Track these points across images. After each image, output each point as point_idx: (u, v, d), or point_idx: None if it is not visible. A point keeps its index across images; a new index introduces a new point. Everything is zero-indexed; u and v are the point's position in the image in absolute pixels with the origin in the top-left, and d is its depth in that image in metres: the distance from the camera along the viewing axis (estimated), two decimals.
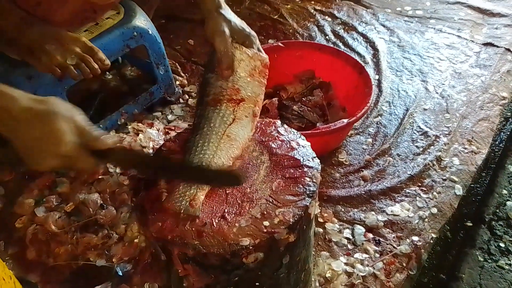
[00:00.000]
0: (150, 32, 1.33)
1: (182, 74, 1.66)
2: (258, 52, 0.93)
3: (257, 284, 0.77)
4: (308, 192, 0.76)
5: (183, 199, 0.75)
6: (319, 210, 1.20)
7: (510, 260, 1.14)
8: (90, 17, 1.20)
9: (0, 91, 0.63)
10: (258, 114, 0.89)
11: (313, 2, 2.12)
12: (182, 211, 0.74)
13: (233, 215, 0.74)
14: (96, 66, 1.06)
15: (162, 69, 1.43)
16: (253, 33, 0.94)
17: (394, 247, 1.12)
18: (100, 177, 1.15)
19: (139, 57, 1.49)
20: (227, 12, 0.93)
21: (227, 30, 0.88)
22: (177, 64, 1.70)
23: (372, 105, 1.52)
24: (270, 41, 1.83)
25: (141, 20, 1.31)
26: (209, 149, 0.81)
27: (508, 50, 1.78)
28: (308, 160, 0.82)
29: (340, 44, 1.85)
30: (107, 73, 1.52)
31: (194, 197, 0.75)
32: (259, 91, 0.91)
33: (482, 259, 1.14)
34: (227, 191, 0.78)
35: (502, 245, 1.18)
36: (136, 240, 1.07)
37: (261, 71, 0.92)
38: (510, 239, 1.19)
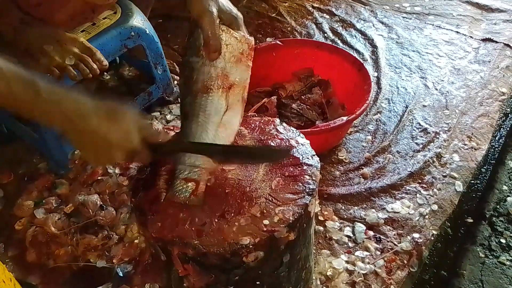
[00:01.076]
0: (148, 32, 1.32)
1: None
2: (245, 34, 0.89)
3: (257, 283, 0.77)
4: (307, 190, 0.76)
5: (186, 191, 0.75)
6: (319, 208, 1.20)
7: (511, 256, 1.14)
8: (89, 17, 1.20)
9: (66, 95, 0.67)
10: (246, 98, 0.88)
11: (311, 0, 2.12)
12: (187, 202, 0.74)
13: (232, 214, 0.73)
14: (94, 66, 1.06)
15: (160, 68, 1.43)
16: (239, 14, 0.89)
17: (395, 244, 1.12)
18: (99, 178, 1.15)
19: (137, 57, 1.49)
20: None
21: (215, 10, 0.83)
22: (175, 63, 1.69)
23: (371, 102, 1.52)
24: (268, 39, 1.83)
25: (139, 20, 1.30)
26: (208, 138, 0.81)
27: (507, 45, 1.77)
28: (308, 158, 0.82)
29: (339, 41, 1.84)
30: (105, 73, 1.52)
31: (197, 187, 0.75)
32: (246, 76, 0.88)
33: (483, 255, 1.14)
34: (227, 191, 0.78)
35: (503, 241, 1.18)
36: (136, 241, 1.06)
37: (248, 54, 0.88)
38: (511, 235, 1.19)
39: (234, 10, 0.89)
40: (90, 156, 0.73)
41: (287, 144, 0.85)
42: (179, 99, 1.53)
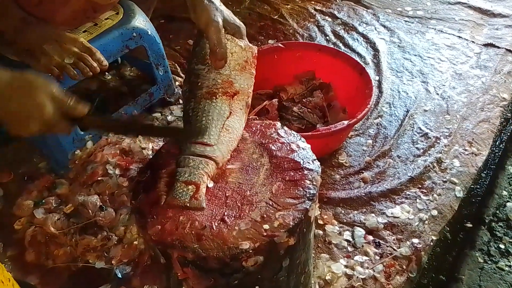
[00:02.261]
0: (150, 33, 1.32)
1: (182, 75, 1.65)
2: (248, 43, 0.92)
3: (257, 287, 0.77)
4: (308, 195, 0.76)
5: (186, 193, 0.75)
6: (319, 212, 1.20)
7: (510, 262, 1.14)
8: (90, 17, 1.20)
9: None
10: (250, 105, 0.90)
11: (313, 2, 2.12)
12: (187, 205, 0.75)
13: (232, 218, 0.73)
14: (94, 64, 1.06)
15: (162, 69, 1.43)
16: (242, 25, 0.93)
17: (394, 249, 1.12)
18: (99, 178, 1.15)
19: (138, 58, 1.49)
20: (217, 1, 0.91)
21: (220, 20, 0.87)
22: (176, 64, 1.69)
23: (372, 106, 1.52)
24: (270, 41, 1.83)
25: (140, 21, 1.30)
26: (210, 141, 0.82)
27: (509, 51, 1.77)
28: (309, 162, 0.82)
29: (341, 44, 1.84)
30: (106, 73, 1.52)
31: (197, 190, 0.75)
32: (250, 83, 0.91)
33: (482, 261, 1.14)
34: (227, 194, 0.78)
35: (502, 246, 1.18)
36: (135, 242, 1.06)
37: (252, 62, 0.91)
38: (510, 240, 1.19)
39: (237, 21, 0.93)
40: (10, 127, 0.75)
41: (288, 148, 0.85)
42: (181, 102, 1.53)
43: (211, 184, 0.79)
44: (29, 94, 0.71)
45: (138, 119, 0.92)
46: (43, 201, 1.17)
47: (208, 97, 0.85)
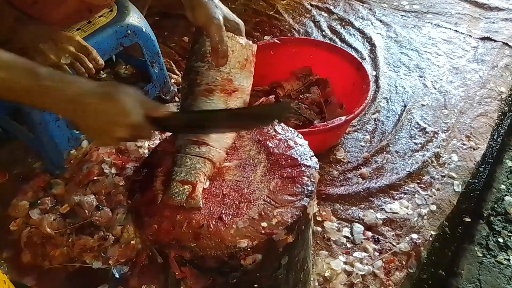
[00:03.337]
0: (144, 30, 1.31)
1: (177, 72, 1.64)
2: (248, 41, 0.91)
3: (255, 285, 0.76)
4: (306, 192, 0.75)
5: (182, 193, 0.75)
6: (317, 209, 1.19)
7: (508, 255, 1.14)
8: (85, 17, 1.19)
9: (65, 78, 0.70)
10: (248, 103, 0.89)
11: None
12: (184, 204, 0.74)
13: (230, 217, 0.73)
14: (90, 65, 1.05)
15: (157, 67, 1.42)
16: (241, 22, 0.92)
17: (393, 245, 1.11)
18: (95, 178, 1.14)
19: (133, 55, 1.47)
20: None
21: (221, 18, 0.85)
22: (171, 62, 1.68)
23: (369, 101, 1.51)
24: (266, 37, 1.82)
25: (135, 18, 1.29)
26: (204, 139, 0.80)
27: (506, 44, 1.77)
28: (306, 159, 0.81)
29: (337, 39, 1.83)
30: (101, 72, 1.50)
31: (193, 190, 0.75)
32: (249, 81, 0.90)
33: (481, 255, 1.14)
34: (224, 192, 0.77)
35: (500, 240, 1.18)
36: (132, 242, 1.06)
37: (251, 61, 0.90)
38: (509, 234, 1.19)
39: (236, 18, 0.91)
40: (94, 137, 0.75)
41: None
42: (177, 100, 1.52)
43: (207, 184, 0.78)
44: (114, 99, 0.69)
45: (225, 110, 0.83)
46: (39, 201, 1.16)
47: (205, 94, 0.84)
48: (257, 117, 0.79)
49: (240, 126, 0.81)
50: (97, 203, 1.11)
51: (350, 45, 1.79)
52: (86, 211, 1.09)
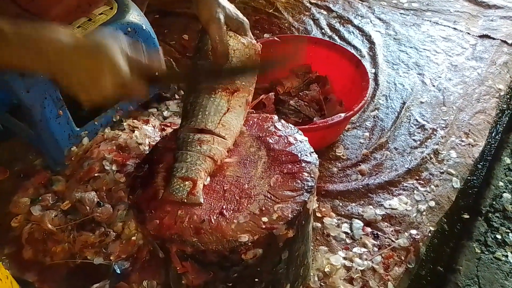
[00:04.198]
0: (144, 28, 1.31)
1: (177, 70, 1.64)
2: (252, 40, 0.91)
3: (256, 280, 0.77)
4: (306, 188, 0.76)
5: (183, 189, 0.75)
6: (317, 205, 1.20)
7: (506, 252, 1.15)
8: (86, 11, 1.19)
9: (36, 32, 0.64)
10: (250, 102, 0.90)
11: None
12: (185, 200, 0.74)
13: (231, 212, 0.73)
14: None
15: None
16: (245, 20, 0.92)
17: (392, 240, 1.12)
18: (96, 175, 1.14)
19: None
20: None
21: (222, 17, 0.85)
22: (171, 59, 1.68)
23: (369, 99, 1.52)
24: (265, 35, 1.82)
25: (135, 15, 1.29)
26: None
27: (504, 42, 1.78)
28: (306, 155, 0.82)
29: (336, 37, 1.84)
30: None
31: (194, 186, 0.75)
32: (252, 80, 0.90)
33: (479, 251, 1.15)
34: (225, 188, 0.78)
35: (498, 236, 1.18)
36: (133, 238, 1.06)
37: (255, 60, 0.91)
38: (507, 230, 1.20)
39: (241, 16, 0.91)
40: (80, 92, 0.69)
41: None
42: (177, 97, 1.53)
43: (207, 181, 0.79)
44: (99, 53, 0.65)
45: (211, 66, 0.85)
46: (40, 198, 1.16)
47: (207, 92, 0.85)
48: (239, 71, 0.85)
49: (225, 78, 0.86)
50: (98, 200, 1.11)
51: (349, 43, 1.80)
52: (87, 207, 1.09)
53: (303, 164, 0.80)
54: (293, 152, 0.82)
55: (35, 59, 0.64)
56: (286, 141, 0.85)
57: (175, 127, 1.01)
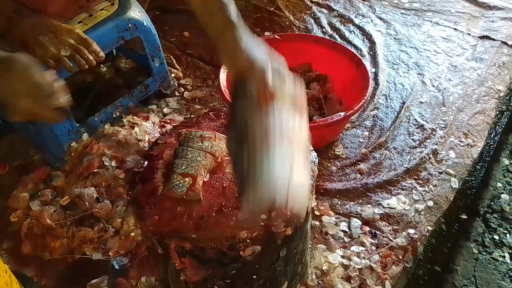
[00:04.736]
0: (145, 24, 1.31)
1: (178, 67, 1.64)
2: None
3: (254, 277, 0.77)
4: None
5: (183, 185, 0.75)
6: (315, 203, 1.20)
7: (504, 252, 1.15)
8: (84, 6, 1.19)
9: None
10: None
11: None
12: (184, 197, 0.74)
13: (230, 209, 0.73)
14: (91, 57, 1.05)
15: (157, 61, 1.42)
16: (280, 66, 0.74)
17: (390, 239, 1.12)
18: (95, 170, 1.15)
19: (134, 49, 1.47)
20: (251, 41, 0.73)
21: (269, 78, 0.68)
22: (172, 56, 1.68)
23: (368, 98, 1.52)
24: (266, 33, 1.82)
25: (136, 12, 1.29)
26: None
27: (504, 43, 1.78)
28: None
29: (337, 36, 1.84)
30: (102, 65, 1.51)
31: (194, 182, 0.75)
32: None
33: (476, 251, 1.15)
34: (224, 185, 0.78)
35: (496, 237, 1.19)
36: (132, 234, 1.06)
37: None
38: (504, 231, 1.20)
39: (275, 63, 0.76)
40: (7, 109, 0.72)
41: None
42: (177, 94, 1.51)
43: (207, 177, 0.79)
44: (7, 76, 0.69)
45: None
46: (39, 193, 1.16)
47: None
48: None
49: None
50: (97, 195, 1.11)
51: (350, 42, 1.80)
52: (86, 203, 1.09)
53: None
54: None
55: None
56: None
57: (175, 124, 1.01)
